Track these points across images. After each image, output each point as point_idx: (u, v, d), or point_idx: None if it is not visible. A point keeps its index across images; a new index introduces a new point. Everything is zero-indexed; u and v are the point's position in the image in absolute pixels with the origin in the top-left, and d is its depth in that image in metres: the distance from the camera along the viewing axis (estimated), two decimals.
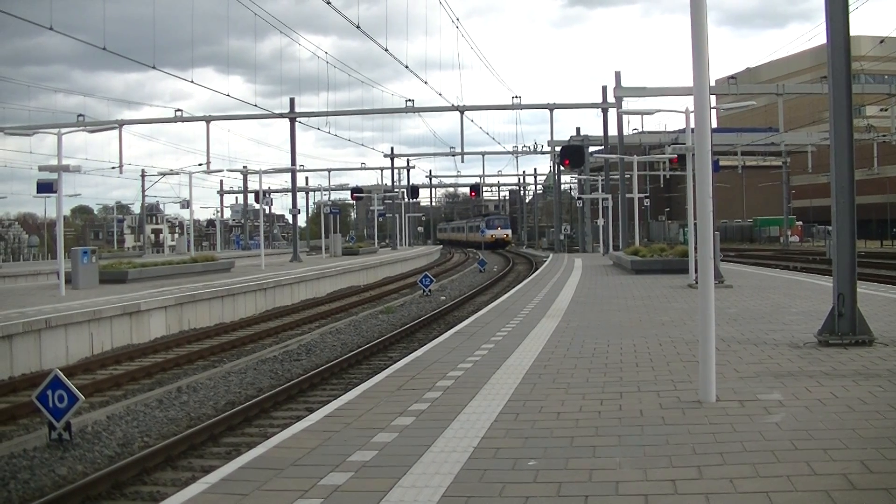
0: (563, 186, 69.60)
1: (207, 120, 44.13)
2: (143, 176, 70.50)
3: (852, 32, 10.43)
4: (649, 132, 68.83)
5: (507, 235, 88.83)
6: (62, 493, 7.98)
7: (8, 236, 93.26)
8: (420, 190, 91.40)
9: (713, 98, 34.39)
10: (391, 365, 10.97)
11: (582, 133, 56.11)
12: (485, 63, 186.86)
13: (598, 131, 49.36)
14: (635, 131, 66.57)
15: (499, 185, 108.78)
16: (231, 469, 5.87)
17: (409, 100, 42.77)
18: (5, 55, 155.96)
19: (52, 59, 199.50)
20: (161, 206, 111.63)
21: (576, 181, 74.50)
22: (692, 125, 14.71)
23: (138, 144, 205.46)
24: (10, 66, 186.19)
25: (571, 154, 47.93)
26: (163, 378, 14.75)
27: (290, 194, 51.09)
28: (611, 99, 41.68)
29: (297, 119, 43.96)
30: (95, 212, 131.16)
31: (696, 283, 10.94)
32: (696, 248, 12.07)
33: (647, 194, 65.34)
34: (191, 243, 47.40)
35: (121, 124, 42.22)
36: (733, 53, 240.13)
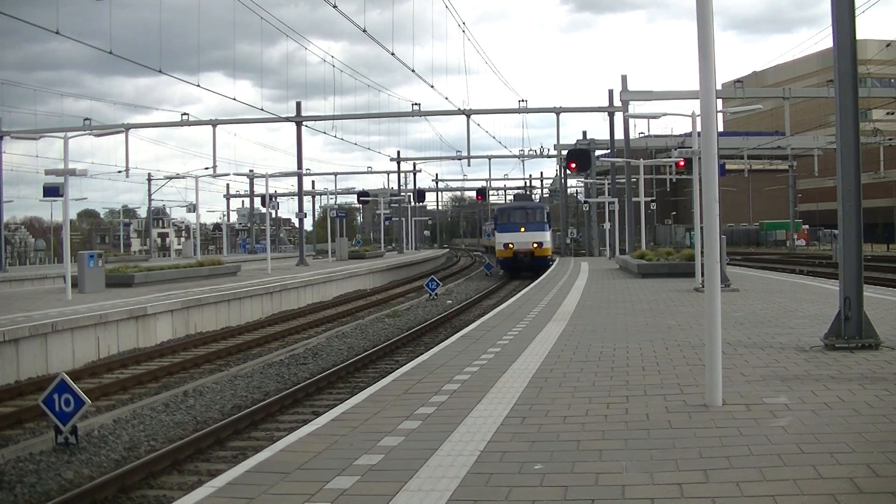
0: (569, 190, 69.47)
1: (214, 124, 44.16)
2: (149, 180, 70.72)
3: (859, 36, 10.42)
4: (656, 136, 68.90)
5: (539, 245, 43.24)
6: (68, 497, 7.99)
7: (14, 240, 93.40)
8: (426, 194, 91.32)
9: (720, 102, 34.33)
10: (398, 369, 10.98)
11: (588, 137, 56.11)
12: (491, 67, 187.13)
13: (604, 135, 49.39)
14: (642, 135, 66.70)
15: (505, 188, 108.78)
16: (237, 473, 5.88)
17: (416, 104, 42.65)
18: (17, 60, 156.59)
19: (63, 65, 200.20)
20: (168, 210, 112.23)
21: (582, 185, 74.64)
22: (698, 129, 14.69)
23: (145, 149, 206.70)
24: (21, 70, 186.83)
25: (578, 158, 47.95)
26: (169, 382, 14.78)
27: (296, 198, 51.26)
28: (617, 103, 41.74)
29: (304, 123, 44.01)
30: (102, 216, 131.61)
31: (703, 286, 10.94)
32: (702, 252, 12.07)
33: (654, 198, 65.33)
34: (197, 247, 47.43)
35: (127, 128, 42.19)
36: (740, 57, 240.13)
